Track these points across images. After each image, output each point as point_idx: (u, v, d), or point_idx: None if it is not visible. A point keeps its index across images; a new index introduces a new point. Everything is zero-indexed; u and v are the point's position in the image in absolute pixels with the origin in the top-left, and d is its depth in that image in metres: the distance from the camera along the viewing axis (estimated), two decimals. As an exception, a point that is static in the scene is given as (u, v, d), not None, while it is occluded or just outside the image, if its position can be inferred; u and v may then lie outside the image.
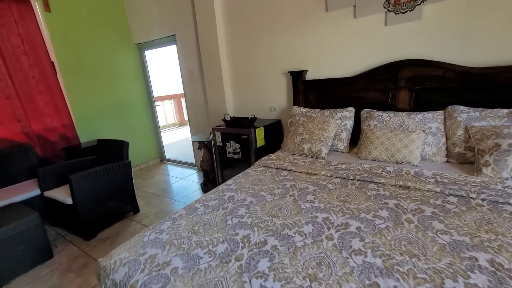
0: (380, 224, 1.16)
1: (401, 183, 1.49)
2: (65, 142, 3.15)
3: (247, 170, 1.98)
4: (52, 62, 3.00)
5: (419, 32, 1.97)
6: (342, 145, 2.20)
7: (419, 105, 2.04)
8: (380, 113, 2.10)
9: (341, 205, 1.35)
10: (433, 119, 1.90)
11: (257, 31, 2.72)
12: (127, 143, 2.62)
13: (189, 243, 1.14)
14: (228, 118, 2.78)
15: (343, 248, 1.02)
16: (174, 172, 3.92)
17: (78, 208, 2.22)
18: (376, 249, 1.00)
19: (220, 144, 2.68)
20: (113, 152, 2.67)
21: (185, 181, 3.50)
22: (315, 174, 1.78)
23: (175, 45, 3.56)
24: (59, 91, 3.03)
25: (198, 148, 3.04)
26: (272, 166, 1.99)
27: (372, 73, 2.17)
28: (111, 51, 3.66)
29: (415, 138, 1.80)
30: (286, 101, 2.76)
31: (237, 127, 2.55)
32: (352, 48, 2.25)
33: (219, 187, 1.72)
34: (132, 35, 3.88)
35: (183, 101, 7.73)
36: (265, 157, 2.21)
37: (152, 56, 4.12)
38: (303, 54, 2.51)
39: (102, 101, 3.61)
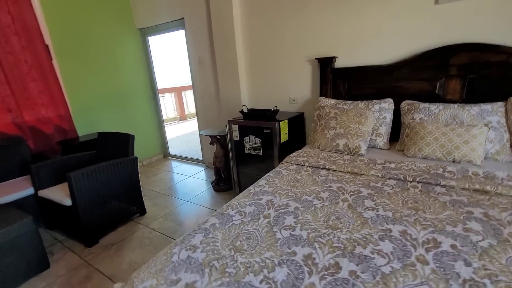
0: (479, 241, 0.91)
1: (477, 186, 1.24)
2: (62, 135, 2.84)
3: (278, 169, 1.71)
4: (47, 45, 2.67)
5: (477, 11, 1.70)
6: (382, 141, 1.95)
7: (472, 96, 1.79)
8: (426, 104, 1.85)
9: (414, 213, 1.09)
10: (493, 112, 1.66)
11: (281, 12, 2.42)
12: (133, 136, 2.33)
13: (235, 265, 0.87)
14: (246, 110, 2.50)
15: (449, 277, 0.77)
16: (180, 169, 3.63)
17: (79, 210, 1.93)
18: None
19: (238, 139, 2.41)
20: (116, 146, 2.38)
21: (193, 179, 3.22)
22: (361, 174, 1.52)
23: (183, 30, 3.25)
24: (54, 78, 2.71)
25: (210, 143, 2.75)
26: (306, 164, 1.72)
27: (417, 59, 1.90)
28: (112, 36, 3.33)
29: (477, 133, 1.55)
30: (310, 91, 2.49)
31: (258, 119, 2.27)
32: (393, 30, 1.98)
33: (251, 189, 1.45)
34: (135, 19, 3.55)
35: (184, 94, 7.42)
36: (294, 154, 1.94)
37: (156, 43, 3.80)
38: (333, 39, 2.23)
39: (102, 90, 3.29)
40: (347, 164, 1.67)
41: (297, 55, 2.46)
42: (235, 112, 2.90)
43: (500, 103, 1.68)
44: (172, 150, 4.23)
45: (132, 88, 3.63)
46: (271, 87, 2.71)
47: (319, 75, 2.33)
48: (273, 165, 2.24)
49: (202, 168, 3.57)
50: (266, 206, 1.25)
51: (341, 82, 2.24)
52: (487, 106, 1.69)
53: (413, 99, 1.97)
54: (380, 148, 1.94)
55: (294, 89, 2.58)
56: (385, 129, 1.96)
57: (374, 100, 2.05)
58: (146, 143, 3.85)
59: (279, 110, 2.35)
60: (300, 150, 2.02)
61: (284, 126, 2.22)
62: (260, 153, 2.31)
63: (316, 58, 2.29)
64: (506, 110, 1.65)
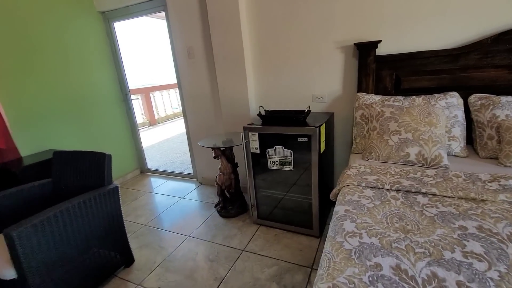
0: None
1: None
2: (-6, 158, 1.97)
3: (351, 197, 1.17)
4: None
5: None
6: (458, 146, 1.52)
7: None
8: (509, 98, 1.47)
9: None
10: None
11: (302, -15, 1.89)
12: (109, 156, 1.61)
13: None
14: (263, 112, 1.92)
15: None
16: (165, 188, 2.91)
17: (29, 283, 1.19)
18: None
19: (258, 151, 1.82)
20: (84, 171, 1.64)
21: (187, 202, 2.54)
22: (483, 200, 1.06)
23: (163, 13, 2.55)
24: (-23, 75, 1.84)
25: (214, 157, 2.12)
26: (386, 186, 1.22)
27: (493, 41, 1.51)
28: (63, 23, 2.49)
29: None
30: (341, 86, 2.00)
31: (285, 124, 1.72)
32: (460, 2, 1.56)
33: (336, 237, 0.89)
34: (94, 0, 2.73)
35: (152, 95, 6.51)
36: (353, 170, 1.43)
37: (126, 31, 3.01)
38: (375, 16, 1.76)
39: (54, 94, 2.44)
40: (443, 183, 1.20)
41: (323, 40, 1.94)
42: (240, 115, 2.30)
43: None
44: (150, 164, 3.45)
45: (95, 89, 2.81)
46: (288, 82, 2.17)
47: (358, 65, 1.85)
48: (310, 184, 1.71)
49: (194, 186, 2.89)
50: (403, 284, 0.71)
51: (388, 72, 1.78)
52: None
53: (483, 92, 1.59)
54: (456, 156, 1.52)
55: (319, 83, 2.06)
56: (459, 131, 1.54)
57: (437, 95, 1.62)
58: (117, 157, 3.04)
59: (311, 111, 1.82)
60: (355, 165, 1.51)
61: (323, 132, 1.69)
62: (291, 168, 1.76)
63: (354, 44, 1.79)
64: None
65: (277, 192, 1.94)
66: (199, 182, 2.93)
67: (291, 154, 1.73)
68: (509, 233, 0.87)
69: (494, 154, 1.43)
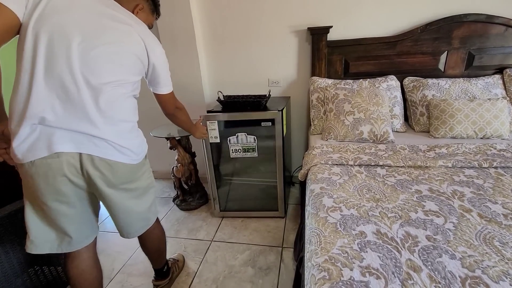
0: None
1: (557, 163, 1.15)
2: None
3: (322, 175, 1.24)
4: None
5: (477, -20, 1.65)
6: (398, 123, 1.75)
7: (471, 69, 1.79)
8: (434, 80, 1.75)
9: (560, 212, 0.87)
10: (495, 85, 1.68)
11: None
12: None
13: None
14: (222, 98, 1.85)
15: None
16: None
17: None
18: None
19: (218, 140, 1.75)
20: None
21: (139, 199, 2.32)
22: (427, 167, 1.25)
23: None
24: None
25: (170, 148, 1.96)
26: (350, 162, 1.33)
27: (421, 31, 1.75)
28: None
29: (502, 106, 1.51)
30: (295, 70, 2.06)
31: (246, 110, 1.69)
32: (397, -4, 1.75)
33: (320, 213, 0.94)
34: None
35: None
36: (317, 150, 1.51)
37: None
38: (326, 3, 1.84)
39: None
40: (394, 156, 1.37)
41: (278, 24, 1.95)
42: (194, 102, 2.17)
43: (497, 76, 1.72)
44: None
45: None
46: (242, 66, 2.12)
47: (311, 50, 1.92)
48: (275, 168, 1.75)
49: (144, 180, 2.64)
50: (387, 245, 0.79)
51: (338, 57, 1.91)
52: (489, 79, 1.70)
53: (414, 75, 1.85)
54: (397, 131, 1.74)
55: (274, 68, 2.08)
56: (399, 110, 1.76)
57: (379, 78, 1.82)
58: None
59: (271, 95, 1.83)
60: (318, 145, 1.60)
61: (284, 116, 1.73)
62: (255, 154, 1.76)
63: (308, 28, 1.85)
64: (503, 82, 1.71)
65: (240, 179, 1.92)
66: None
67: (254, 140, 1.72)
68: (452, 191, 1.05)
69: (426, 128, 1.70)
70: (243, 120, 1.69)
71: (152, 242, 1.23)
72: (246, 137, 1.72)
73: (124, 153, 0.90)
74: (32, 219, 0.91)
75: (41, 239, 0.92)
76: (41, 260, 1.26)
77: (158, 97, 1.09)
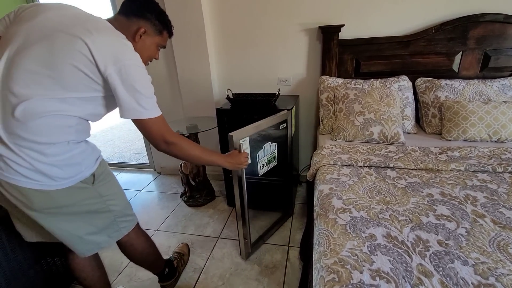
0: None
1: None
2: None
3: (331, 176, 1.23)
4: None
5: (496, -21, 1.61)
6: (409, 124, 1.72)
7: (486, 71, 1.75)
8: (447, 81, 1.71)
9: None
10: (511, 87, 1.64)
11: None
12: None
13: None
14: (231, 96, 1.85)
15: None
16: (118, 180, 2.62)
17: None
18: None
19: (249, 161, 1.57)
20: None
21: (147, 194, 2.36)
22: (439, 170, 1.23)
23: (103, -21, 2.18)
24: None
25: (179, 144, 1.97)
26: (359, 164, 1.31)
27: (436, 31, 1.71)
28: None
29: (518, 109, 1.48)
30: (305, 69, 2.04)
31: (255, 108, 1.68)
32: (411, -5, 1.72)
33: (329, 215, 0.93)
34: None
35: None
36: (326, 150, 1.50)
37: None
38: (338, 2, 1.81)
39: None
40: (404, 158, 1.35)
41: (289, 22, 1.93)
42: (202, 99, 2.19)
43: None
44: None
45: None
46: (253, 64, 2.12)
47: (322, 48, 1.90)
48: (282, 167, 1.74)
49: (152, 176, 2.68)
50: (397, 249, 0.79)
51: (349, 56, 1.88)
52: (505, 81, 1.66)
53: (426, 76, 1.81)
54: (408, 133, 1.72)
55: (284, 66, 2.07)
56: (410, 111, 1.73)
57: (391, 78, 1.79)
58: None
59: (280, 93, 1.82)
60: (327, 145, 1.59)
61: (293, 115, 1.72)
62: (276, 162, 1.66)
63: (319, 27, 1.83)
64: (520, 84, 1.66)
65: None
66: (158, 172, 2.73)
67: (275, 147, 1.64)
68: (464, 195, 1.03)
69: (438, 130, 1.67)
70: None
71: (133, 256, 1.15)
72: (270, 146, 1.59)
73: (33, 179, 0.76)
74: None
75: (25, 231, 0.95)
76: (53, 252, 1.29)
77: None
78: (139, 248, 1.14)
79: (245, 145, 1.33)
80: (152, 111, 0.83)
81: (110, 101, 0.84)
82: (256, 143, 1.49)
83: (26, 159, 0.74)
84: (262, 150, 1.53)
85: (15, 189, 0.76)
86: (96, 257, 1.12)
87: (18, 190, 0.76)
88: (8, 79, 0.72)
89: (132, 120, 0.83)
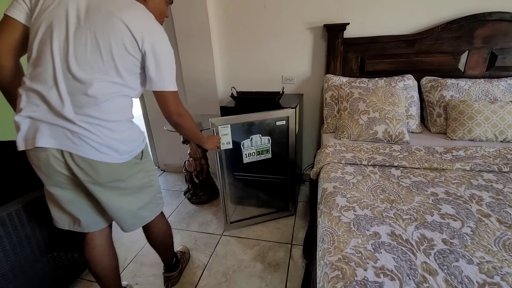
0: None
1: None
2: None
3: (335, 174, 1.23)
4: None
5: (504, -23, 1.59)
6: (414, 123, 1.71)
7: (492, 70, 1.73)
8: (453, 80, 1.70)
9: None
10: (518, 86, 1.63)
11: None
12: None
13: None
14: (235, 94, 1.85)
15: None
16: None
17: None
18: None
19: (230, 146, 1.60)
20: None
21: (151, 191, 2.37)
22: (444, 169, 1.22)
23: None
24: None
25: (183, 142, 1.98)
26: (364, 162, 1.31)
27: (441, 29, 1.70)
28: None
29: (525, 109, 1.46)
30: (309, 68, 2.04)
31: (259, 106, 1.68)
32: (417, -7, 1.70)
33: (333, 212, 0.94)
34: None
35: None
36: (330, 149, 1.50)
37: None
38: (343, 0, 1.81)
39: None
40: (409, 157, 1.35)
41: (294, 20, 1.93)
42: (207, 97, 2.19)
43: (520, 77, 1.66)
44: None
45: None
46: (256, 63, 2.12)
47: (327, 47, 1.90)
48: (286, 165, 1.74)
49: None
50: (402, 247, 0.79)
51: (354, 55, 1.88)
52: (511, 81, 1.65)
53: (432, 75, 1.80)
54: (413, 132, 1.71)
55: (288, 65, 2.07)
56: (415, 110, 1.73)
57: (396, 77, 1.78)
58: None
59: (284, 92, 1.82)
60: (331, 143, 1.58)
61: (297, 114, 1.72)
62: (269, 155, 1.73)
63: (324, 25, 1.83)
64: (527, 84, 1.64)
65: (250, 175, 1.92)
66: (161, 170, 2.74)
67: (269, 140, 1.69)
68: (470, 195, 1.03)
69: (443, 129, 1.66)
70: (257, 121, 1.64)
71: (156, 236, 1.22)
72: (261, 138, 1.69)
73: (104, 152, 0.85)
74: (48, 202, 0.97)
75: (59, 218, 0.99)
76: (59, 246, 1.31)
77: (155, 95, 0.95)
78: (162, 229, 1.23)
79: (226, 131, 1.52)
80: (173, 85, 0.95)
81: (143, 77, 0.91)
82: (244, 133, 1.64)
83: (99, 135, 0.83)
84: (249, 140, 1.65)
85: (86, 162, 0.84)
86: (113, 248, 1.14)
87: (89, 163, 0.84)
88: (69, 66, 0.78)
89: (153, 91, 0.92)
